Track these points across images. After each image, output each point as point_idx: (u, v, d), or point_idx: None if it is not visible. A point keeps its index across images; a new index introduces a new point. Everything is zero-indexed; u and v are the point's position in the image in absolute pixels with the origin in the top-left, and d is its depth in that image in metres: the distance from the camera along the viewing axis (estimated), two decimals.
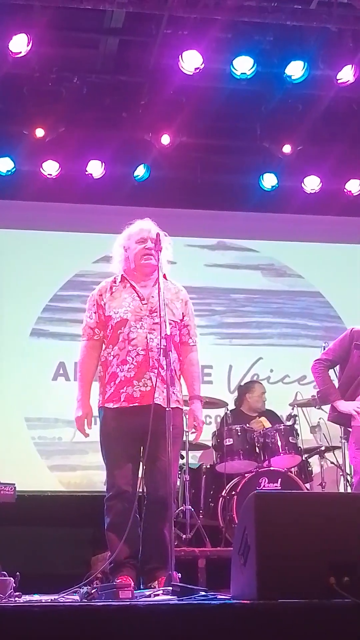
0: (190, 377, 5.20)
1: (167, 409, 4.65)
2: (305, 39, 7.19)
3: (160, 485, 4.78)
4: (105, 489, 5.10)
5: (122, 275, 5.19)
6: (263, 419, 7.71)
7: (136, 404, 4.87)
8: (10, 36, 6.76)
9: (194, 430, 5.15)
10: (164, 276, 5.14)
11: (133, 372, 4.92)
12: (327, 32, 7.14)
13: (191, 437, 5.22)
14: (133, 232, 5.22)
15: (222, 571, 4.24)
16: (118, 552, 4.73)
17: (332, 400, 5.85)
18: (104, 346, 5.10)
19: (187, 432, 5.26)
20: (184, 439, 5.82)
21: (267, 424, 7.59)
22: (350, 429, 5.88)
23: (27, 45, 6.78)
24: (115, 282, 5.19)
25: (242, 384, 8.44)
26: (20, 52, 6.83)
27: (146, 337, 4.92)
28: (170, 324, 4.96)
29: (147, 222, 5.25)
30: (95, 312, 5.14)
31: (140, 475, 5.00)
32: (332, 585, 3.27)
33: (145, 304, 5.03)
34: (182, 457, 7.05)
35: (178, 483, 6.91)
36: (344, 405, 5.73)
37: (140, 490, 5.09)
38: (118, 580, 4.69)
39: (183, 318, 5.17)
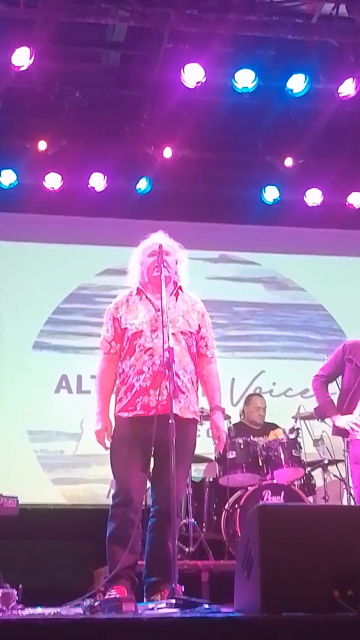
0: (211, 389, 5.20)
1: (170, 421, 4.64)
2: (306, 53, 7.22)
3: (167, 497, 4.76)
4: (108, 502, 5.08)
5: (137, 288, 5.20)
6: (278, 430, 7.68)
7: (152, 413, 4.86)
8: (12, 50, 6.79)
9: (217, 441, 5.14)
10: (180, 288, 5.16)
11: (149, 382, 4.92)
12: (329, 46, 7.19)
13: (212, 447, 5.21)
14: (147, 245, 5.24)
15: (225, 585, 4.22)
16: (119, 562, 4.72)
17: (329, 415, 5.87)
18: (121, 358, 5.10)
19: (213, 442, 5.23)
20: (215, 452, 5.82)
21: (281, 435, 7.57)
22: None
23: (30, 59, 6.80)
24: (131, 295, 5.20)
25: (247, 395, 8.43)
26: (23, 66, 6.86)
27: (162, 347, 4.92)
28: (185, 334, 5.01)
29: (159, 235, 5.27)
30: (111, 326, 5.15)
31: (147, 486, 4.99)
32: (336, 599, 3.26)
33: (160, 314, 5.03)
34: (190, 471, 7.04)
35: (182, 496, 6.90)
36: (339, 421, 5.73)
37: (144, 503, 5.09)
38: (113, 591, 4.66)
39: (200, 330, 5.18)
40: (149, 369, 4.94)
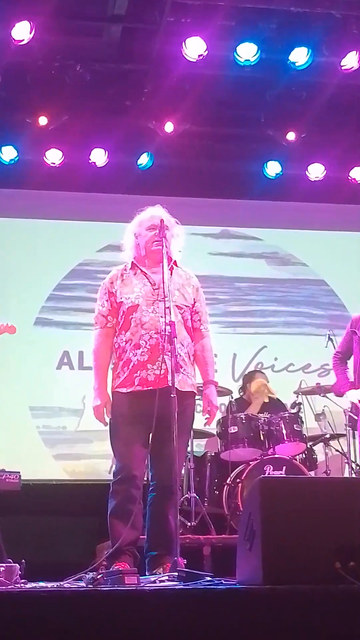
0: (204, 363, 5.20)
1: (172, 395, 4.64)
2: (309, 26, 7.15)
3: (167, 472, 4.77)
4: (110, 477, 5.09)
5: (132, 262, 5.19)
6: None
7: (150, 388, 4.86)
8: (13, 24, 6.74)
9: (207, 415, 5.14)
10: (175, 263, 5.15)
11: (146, 356, 4.91)
12: (332, 19, 7.11)
13: (203, 421, 5.20)
14: (144, 218, 5.22)
15: (227, 559, 4.23)
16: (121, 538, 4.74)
17: (343, 391, 5.87)
18: (116, 333, 5.09)
19: (203, 416, 5.22)
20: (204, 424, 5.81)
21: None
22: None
23: (30, 33, 6.76)
24: (125, 269, 5.19)
25: (247, 372, 8.43)
26: (23, 40, 6.81)
27: (158, 321, 4.91)
28: (181, 308, 5.02)
29: (157, 209, 5.25)
30: (107, 300, 5.14)
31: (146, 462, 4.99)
32: (338, 570, 3.27)
33: (157, 289, 5.02)
34: (188, 445, 7.05)
35: (183, 471, 6.92)
36: (351, 396, 5.74)
37: (145, 477, 5.10)
38: (116, 567, 4.68)
39: (194, 304, 5.18)
40: (146, 343, 4.93)
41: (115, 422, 5.02)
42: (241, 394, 7.98)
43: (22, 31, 6.76)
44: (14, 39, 6.81)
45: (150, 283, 5.07)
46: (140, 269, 5.14)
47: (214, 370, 5.28)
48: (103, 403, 5.03)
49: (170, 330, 4.76)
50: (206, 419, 5.18)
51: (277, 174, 8.72)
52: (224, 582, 3.66)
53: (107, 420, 5.05)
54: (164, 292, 4.90)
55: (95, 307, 5.24)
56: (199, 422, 5.54)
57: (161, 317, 4.92)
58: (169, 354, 4.80)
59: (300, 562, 3.29)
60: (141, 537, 5.01)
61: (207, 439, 7.91)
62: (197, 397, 5.21)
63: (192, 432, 6.78)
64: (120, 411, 4.99)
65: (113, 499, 4.95)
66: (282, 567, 3.27)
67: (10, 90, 7.77)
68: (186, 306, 5.10)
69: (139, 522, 4.92)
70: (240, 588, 3.35)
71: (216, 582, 3.70)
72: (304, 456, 7.35)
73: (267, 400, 7.80)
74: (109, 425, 5.05)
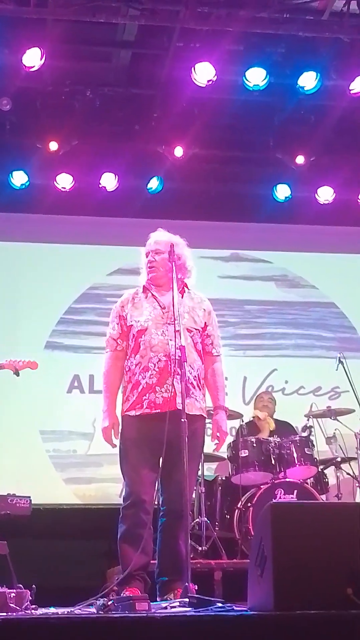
0: (215, 388, 5.20)
1: (182, 419, 4.64)
2: (317, 50, 7.21)
3: (177, 496, 4.76)
4: (120, 501, 5.07)
5: (143, 286, 5.22)
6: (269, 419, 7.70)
7: (159, 411, 4.86)
8: (23, 50, 6.81)
9: (216, 440, 5.12)
10: (186, 285, 5.16)
11: (155, 379, 4.92)
12: (340, 43, 7.15)
13: (212, 447, 5.19)
14: (146, 244, 5.27)
15: (239, 583, 4.22)
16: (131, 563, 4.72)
17: None
18: (127, 356, 5.10)
19: (212, 442, 5.21)
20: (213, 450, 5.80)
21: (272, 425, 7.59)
22: None
23: (41, 59, 6.82)
24: (137, 293, 5.23)
25: (255, 397, 8.38)
26: (34, 66, 6.88)
27: (167, 344, 4.92)
28: (190, 331, 5.03)
29: (157, 234, 5.29)
30: (117, 324, 5.17)
31: (156, 486, 4.98)
32: (350, 596, 3.25)
33: (166, 312, 5.04)
34: (199, 469, 7.03)
35: (194, 495, 6.89)
36: None
37: (155, 502, 5.08)
38: (126, 592, 4.66)
39: (205, 327, 5.18)
40: (154, 365, 4.94)
41: (124, 446, 5.01)
42: (252, 418, 7.95)
43: (32, 57, 6.83)
44: (24, 65, 6.88)
45: (160, 306, 5.09)
46: (151, 292, 5.17)
47: (225, 395, 5.27)
48: (111, 425, 5.03)
49: (180, 354, 4.76)
50: (215, 444, 5.16)
51: (286, 197, 8.74)
52: (235, 608, 3.64)
53: (115, 442, 5.04)
54: (173, 315, 4.91)
55: (107, 330, 5.26)
56: (209, 446, 5.52)
57: (170, 340, 4.92)
58: (178, 377, 4.80)
59: (311, 588, 3.27)
60: (152, 562, 4.98)
61: (218, 463, 7.88)
62: (207, 420, 5.20)
63: (202, 455, 6.80)
64: (129, 435, 4.99)
65: (123, 523, 4.94)
66: (294, 593, 3.25)
67: (20, 115, 7.83)
68: (196, 329, 5.11)
69: (149, 547, 4.90)
70: (252, 614, 3.33)
71: (227, 608, 3.68)
72: (315, 480, 7.30)
73: (272, 428, 7.77)
74: (118, 449, 5.05)
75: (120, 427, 5.03)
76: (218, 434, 5.12)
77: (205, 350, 5.18)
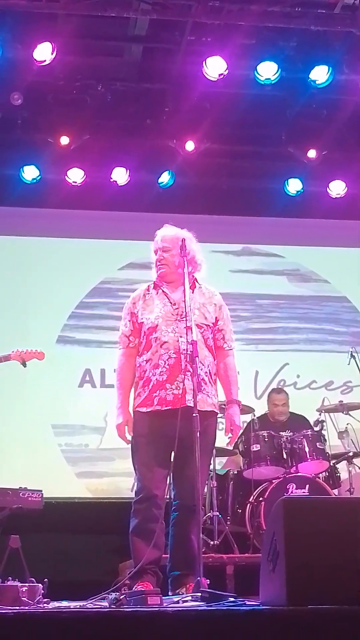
0: (227, 382, 5.20)
1: (194, 414, 4.64)
2: (329, 44, 7.19)
3: (189, 491, 4.76)
4: (132, 495, 5.09)
5: (154, 282, 5.22)
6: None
7: (169, 408, 4.86)
8: (35, 45, 6.81)
9: (230, 434, 5.13)
10: (196, 280, 5.16)
11: (165, 375, 4.92)
12: (352, 36, 7.12)
13: (226, 440, 5.19)
14: (155, 241, 5.27)
15: (251, 578, 4.21)
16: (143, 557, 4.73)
17: None
18: (139, 352, 5.11)
19: (225, 436, 5.21)
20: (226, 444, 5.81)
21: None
22: None
23: (52, 54, 6.82)
24: (148, 289, 5.23)
25: (269, 392, 8.36)
26: (45, 61, 6.88)
27: (177, 341, 4.92)
28: (201, 327, 5.01)
29: (164, 229, 5.27)
30: (129, 321, 5.18)
31: (168, 481, 4.99)
32: None
33: (177, 308, 5.04)
34: (211, 464, 7.03)
35: (206, 489, 6.90)
36: None
37: (167, 496, 5.08)
38: (138, 587, 4.67)
39: (217, 322, 5.17)
40: (165, 362, 4.94)
41: (136, 442, 5.03)
42: (265, 411, 7.94)
43: (44, 52, 6.83)
44: (35, 60, 6.88)
45: (170, 303, 5.08)
46: (161, 289, 5.16)
47: (237, 389, 5.27)
48: (125, 421, 5.04)
49: (192, 350, 4.76)
50: (229, 438, 5.17)
51: (298, 191, 8.73)
52: (247, 603, 3.64)
53: (129, 438, 5.06)
54: (185, 311, 4.90)
55: (119, 326, 5.27)
56: (222, 440, 5.52)
57: (180, 336, 4.92)
58: (189, 373, 4.81)
59: (324, 583, 3.26)
60: (164, 556, 4.99)
61: (229, 457, 7.88)
62: (219, 415, 5.20)
63: (214, 450, 6.80)
64: (140, 431, 5.00)
65: (134, 518, 4.95)
66: (306, 587, 3.25)
67: (32, 110, 7.84)
68: (206, 325, 5.10)
69: (161, 541, 4.91)
70: (264, 609, 3.33)
71: (239, 602, 3.68)
72: (327, 474, 7.30)
73: (285, 418, 7.77)
74: (130, 445, 5.06)
75: (134, 421, 5.03)
76: (231, 428, 5.12)
77: (217, 345, 5.17)
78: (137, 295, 5.24)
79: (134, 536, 4.92)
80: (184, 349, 4.88)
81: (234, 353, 5.26)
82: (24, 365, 6.09)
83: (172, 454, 4.85)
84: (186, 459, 4.70)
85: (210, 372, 5.05)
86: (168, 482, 5.02)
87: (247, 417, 7.53)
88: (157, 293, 5.17)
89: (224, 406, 5.23)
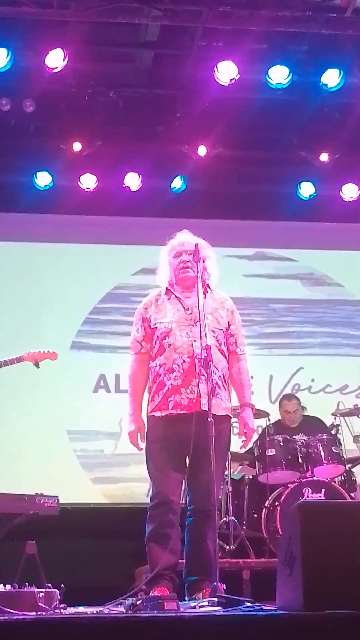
0: (240, 385, 5.19)
1: (209, 419, 4.64)
2: (340, 47, 7.18)
3: (204, 496, 4.76)
4: (147, 500, 5.09)
5: (166, 287, 5.22)
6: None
7: (184, 412, 4.86)
8: (46, 52, 6.83)
9: (244, 437, 5.12)
10: (208, 286, 5.16)
11: (180, 380, 4.92)
12: None
13: (240, 444, 5.19)
14: (173, 245, 5.26)
15: (267, 583, 4.21)
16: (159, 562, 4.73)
17: None
18: (152, 357, 5.11)
19: (239, 439, 5.21)
20: (239, 447, 5.80)
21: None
22: None
23: (64, 61, 6.85)
24: (160, 294, 5.22)
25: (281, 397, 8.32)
26: (57, 67, 6.90)
27: (192, 345, 4.93)
28: (214, 332, 5.00)
29: (184, 235, 5.28)
30: (141, 326, 5.17)
31: (183, 486, 4.99)
32: None
33: (190, 313, 5.05)
34: (225, 468, 7.02)
35: (221, 494, 6.89)
36: None
37: (183, 501, 5.08)
38: (155, 592, 4.67)
39: (229, 327, 5.17)
40: (179, 367, 4.94)
41: (150, 447, 5.02)
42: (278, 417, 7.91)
43: (55, 59, 6.86)
44: (47, 67, 6.91)
45: (184, 308, 5.09)
46: (174, 294, 5.17)
47: (251, 393, 5.27)
48: (137, 428, 5.04)
49: (206, 354, 4.76)
50: (242, 441, 5.16)
51: (310, 195, 8.72)
52: (264, 608, 3.63)
53: (141, 445, 5.05)
54: (198, 316, 4.90)
55: (131, 331, 5.27)
56: (235, 445, 5.52)
57: (194, 341, 4.93)
58: (203, 377, 4.81)
59: (341, 588, 3.26)
60: (180, 561, 4.99)
61: (245, 462, 7.87)
62: (233, 419, 5.20)
63: (229, 454, 6.79)
64: (154, 435, 5.00)
65: (150, 523, 4.94)
66: (323, 592, 3.25)
67: (44, 117, 7.87)
68: (219, 329, 5.10)
69: (177, 546, 4.90)
70: (281, 614, 3.33)
71: (256, 607, 3.67)
72: (342, 478, 7.28)
73: (297, 424, 7.73)
74: (144, 450, 5.06)
75: (148, 427, 5.03)
76: (245, 431, 5.11)
77: (230, 350, 5.17)
78: (148, 300, 5.24)
79: (150, 542, 4.92)
80: (198, 354, 4.89)
81: (246, 357, 5.26)
82: (37, 366, 6.08)
83: (187, 458, 4.85)
84: (201, 463, 4.70)
85: (224, 377, 5.05)
86: (183, 487, 5.02)
87: (262, 422, 7.52)
88: (170, 298, 5.17)
89: (237, 410, 5.22)
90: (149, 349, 5.12)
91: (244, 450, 6.63)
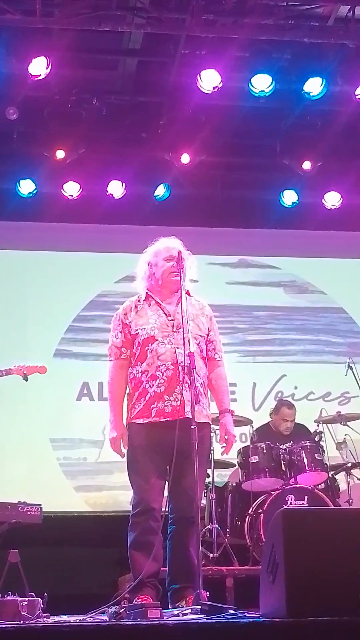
0: (220, 392, 5.19)
1: (192, 426, 4.63)
2: (323, 56, 7.22)
3: (187, 503, 4.76)
4: (130, 508, 5.07)
5: (146, 293, 5.19)
6: None
7: (167, 419, 4.86)
8: (30, 59, 6.82)
9: (224, 444, 5.12)
10: (188, 292, 5.14)
11: (163, 387, 4.91)
12: (345, 49, 7.18)
13: (221, 450, 5.18)
14: (160, 249, 5.20)
15: (251, 590, 4.21)
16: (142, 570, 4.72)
17: None
18: (131, 364, 5.09)
19: (220, 445, 5.20)
20: (211, 457, 5.80)
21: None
22: None
23: (47, 68, 6.84)
24: (139, 300, 5.19)
25: (277, 400, 8.29)
26: (40, 75, 6.89)
27: (175, 352, 4.92)
28: (196, 338, 4.99)
29: (173, 241, 5.25)
30: (121, 332, 5.14)
31: (165, 493, 4.97)
32: None
33: (172, 320, 5.03)
34: (208, 476, 7.02)
35: (204, 502, 6.89)
36: None
37: (164, 508, 5.07)
38: (138, 600, 4.65)
39: (209, 333, 5.17)
40: (162, 374, 4.92)
41: (132, 454, 5.00)
42: (270, 420, 7.87)
43: (39, 66, 6.85)
44: (30, 74, 6.90)
45: (165, 314, 5.07)
46: (155, 300, 5.14)
47: (229, 399, 5.27)
48: (119, 435, 5.02)
49: (189, 362, 4.76)
50: (223, 447, 5.15)
51: (293, 203, 8.75)
52: (247, 615, 3.63)
53: (124, 451, 5.04)
54: (182, 323, 4.89)
55: (108, 338, 5.24)
56: (217, 450, 5.51)
57: (177, 348, 4.92)
58: (186, 385, 4.80)
59: (324, 594, 3.26)
60: (162, 569, 4.98)
61: (228, 469, 7.87)
62: (214, 426, 5.19)
63: (213, 462, 6.80)
64: (136, 442, 4.98)
65: (132, 531, 4.92)
66: (306, 599, 3.24)
67: (27, 124, 7.87)
68: (201, 336, 5.09)
69: (159, 554, 4.88)
70: (264, 621, 3.33)
71: (239, 615, 3.67)
72: (325, 485, 7.29)
73: (289, 432, 7.72)
74: (126, 457, 5.04)
75: (130, 433, 5.01)
76: (226, 437, 5.10)
77: (209, 356, 5.14)
78: (127, 306, 5.20)
79: (133, 550, 4.90)
80: (181, 361, 4.88)
81: (223, 364, 5.26)
82: (26, 379, 6.08)
83: (168, 466, 4.84)
84: (184, 470, 4.69)
85: (204, 384, 5.05)
86: (165, 494, 5.00)
87: (245, 429, 7.52)
88: (150, 304, 5.14)
89: (216, 417, 5.21)
90: (129, 355, 5.09)
91: (228, 457, 6.63)
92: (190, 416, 4.72)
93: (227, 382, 5.27)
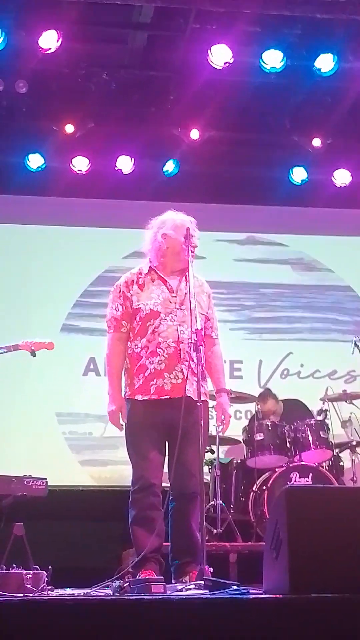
0: (216, 370, 5.18)
1: (198, 403, 4.64)
2: (334, 31, 7.15)
3: (188, 479, 4.77)
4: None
5: (149, 267, 5.15)
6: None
7: (167, 397, 4.85)
8: (40, 32, 6.79)
9: (220, 423, 5.11)
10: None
11: (164, 364, 4.90)
12: (356, 24, 7.08)
13: (218, 429, 5.19)
14: (177, 224, 5.12)
15: (254, 566, 4.23)
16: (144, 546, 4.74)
17: None
18: (130, 338, 5.06)
19: (216, 426, 5.21)
20: (216, 433, 5.80)
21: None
22: None
23: (57, 42, 6.81)
24: (141, 273, 5.14)
25: (262, 390, 8.25)
26: (50, 49, 6.87)
27: (177, 330, 4.90)
28: (199, 316, 4.92)
29: (185, 216, 5.20)
30: (121, 304, 5.09)
31: (165, 469, 4.98)
32: None
33: (175, 296, 5.00)
34: (212, 452, 7.04)
35: (208, 478, 6.91)
36: None
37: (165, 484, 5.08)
38: (142, 575, 4.68)
39: (207, 311, 5.15)
40: (163, 351, 4.91)
41: (131, 430, 5.00)
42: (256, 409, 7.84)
43: (49, 40, 6.82)
44: (40, 48, 6.86)
45: (168, 289, 5.04)
46: (158, 274, 5.10)
47: (224, 377, 5.27)
48: (118, 408, 5.02)
49: (196, 338, 4.74)
50: (220, 428, 5.15)
51: (302, 180, 8.71)
52: (250, 591, 3.65)
53: (122, 424, 5.03)
54: (189, 300, 4.87)
55: (107, 309, 5.18)
56: (234, 430, 5.50)
57: (179, 325, 4.90)
58: (187, 363, 4.80)
59: (327, 571, 3.27)
60: (165, 544, 5.00)
61: (232, 446, 7.89)
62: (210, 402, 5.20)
63: (218, 438, 6.81)
64: (135, 419, 4.98)
65: (133, 508, 4.94)
66: (309, 576, 3.26)
67: (36, 98, 7.82)
68: (202, 314, 5.02)
69: (161, 529, 4.91)
70: (267, 597, 3.34)
71: (243, 590, 3.69)
72: (330, 463, 7.31)
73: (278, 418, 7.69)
74: (125, 433, 5.04)
75: (128, 409, 5.00)
76: (223, 417, 5.10)
77: (206, 334, 5.08)
78: (129, 278, 5.14)
79: (135, 526, 4.91)
80: (183, 338, 4.87)
81: (219, 342, 5.25)
82: (34, 355, 6.08)
83: (167, 443, 4.84)
84: (182, 447, 4.69)
85: (205, 362, 5.03)
86: (164, 470, 5.01)
87: (251, 406, 7.53)
88: (153, 280, 5.09)
89: (213, 395, 5.21)
90: (128, 329, 5.05)
91: (233, 434, 6.64)
92: (190, 394, 4.73)
93: (223, 360, 5.26)
